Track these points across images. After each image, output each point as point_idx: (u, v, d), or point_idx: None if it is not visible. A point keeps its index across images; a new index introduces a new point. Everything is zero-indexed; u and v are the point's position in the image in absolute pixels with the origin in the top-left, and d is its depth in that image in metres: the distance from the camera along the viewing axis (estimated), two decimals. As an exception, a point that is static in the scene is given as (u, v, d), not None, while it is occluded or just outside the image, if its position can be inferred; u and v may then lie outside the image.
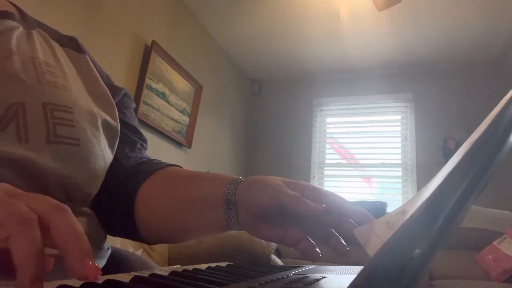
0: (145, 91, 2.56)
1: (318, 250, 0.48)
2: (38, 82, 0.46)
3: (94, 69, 0.59)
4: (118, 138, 0.57)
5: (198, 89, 3.17)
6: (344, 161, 4.04)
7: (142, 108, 2.53)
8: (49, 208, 0.27)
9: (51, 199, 0.28)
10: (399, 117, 3.84)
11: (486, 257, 2.58)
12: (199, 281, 0.36)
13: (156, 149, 2.70)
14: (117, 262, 0.58)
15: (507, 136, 0.21)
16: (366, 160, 3.87)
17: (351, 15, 3.00)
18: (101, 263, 0.54)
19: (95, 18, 2.21)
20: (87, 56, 0.60)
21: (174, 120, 2.89)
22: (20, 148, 0.41)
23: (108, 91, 0.58)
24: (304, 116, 4.08)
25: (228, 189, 0.48)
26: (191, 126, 3.08)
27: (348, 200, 0.47)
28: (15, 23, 0.50)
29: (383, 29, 3.17)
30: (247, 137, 4.17)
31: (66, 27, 2.01)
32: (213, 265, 0.53)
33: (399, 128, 3.81)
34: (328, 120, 4.10)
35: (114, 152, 0.57)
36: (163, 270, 0.43)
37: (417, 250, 0.19)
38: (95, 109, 0.53)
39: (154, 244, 0.62)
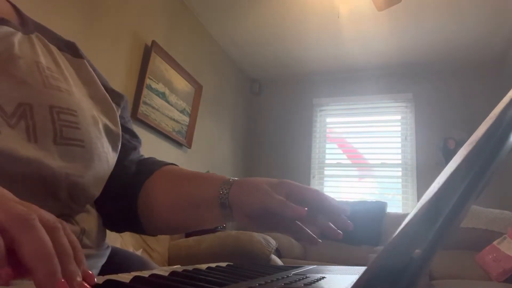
0: (145, 91, 2.56)
1: (313, 235, 0.54)
2: (44, 86, 0.47)
3: (94, 74, 0.60)
4: (120, 143, 0.58)
5: (198, 89, 3.17)
6: (344, 161, 4.04)
7: (142, 108, 2.53)
8: (45, 222, 0.27)
9: (46, 213, 0.28)
10: (399, 117, 3.84)
11: (486, 257, 2.58)
12: (199, 281, 0.36)
13: (156, 149, 2.70)
14: (116, 262, 0.58)
15: (507, 136, 0.21)
16: (366, 160, 3.87)
17: (351, 15, 3.00)
18: (101, 261, 0.54)
19: (95, 18, 2.21)
20: (86, 61, 0.61)
21: (174, 120, 2.89)
22: (30, 147, 0.42)
23: (108, 96, 0.60)
24: (304, 116, 4.08)
25: (221, 192, 0.53)
26: (191, 126, 3.08)
27: (331, 197, 0.53)
28: (11, 29, 0.50)
29: (383, 29, 3.17)
30: (247, 137, 4.17)
31: (66, 27, 2.02)
32: (213, 265, 0.53)
33: (399, 128, 3.81)
34: (328, 120, 4.10)
35: (117, 155, 0.58)
36: (163, 270, 0.43)
37: (417, 250, 0.19)
38: (96, 113, 0.54)
39: (155, 235, 0.68)
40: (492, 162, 0.20)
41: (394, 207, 3.55)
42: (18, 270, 0.25)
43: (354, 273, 0.56)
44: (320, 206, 0.52)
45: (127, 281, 0.32)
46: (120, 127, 0.59)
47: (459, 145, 3.42)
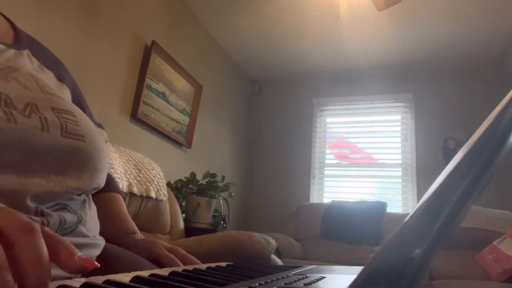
0: (145, 91, 2.56)
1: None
2: (42, 92, 0.51)
3: (70, 99, 0.67)
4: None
5: (198, 89, 3.17)
6: (344, 161, 4.04)
7: (142, 108, 2.53)
8: (17, 226, 0.27)
9: (21, 217, 0.28)
10: (399, 117, 3.84)
11: (486, 257, 2.58)
12: (199, 281, 0.36)
13: (156, 149, 2.70)
14: (110, 259, 0.59)
15: (507, 136, 0.21)
16: (366, 160, 3.87)
17: (351, 15, 3.00)
18: (96, 251, 0.56)
19: (95, 18, 2.21)
20: (67, 87, 0.67)
21: (174, 120, 2.89)
22: (44, 135, 0.46)
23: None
24: (304, 116, 4.08)
25: (124, 242, 0.72)
26: (191, 126, 3.08)
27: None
28: (4, 47, 0.55)
29: (383, 29, 3.17)
30: (247, 137, 4.17)
31: (66, 28, 2.02)
32: (213, 265, 0.53)
33: (399, 128, 3.81)
34: (328, 120, 4.10)
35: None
36: (163, 270, 0.43)
37: (417, 250, 0.19)
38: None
39: None
40: (492, 162, 0.20)
41: (394, 207, 3.55)
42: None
43: (354, 273, 0.56)
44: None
45: (127, 281, 0.32)
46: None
47: (459, 145, 3.42)
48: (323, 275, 0.48)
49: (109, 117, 2.29)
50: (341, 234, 3.19)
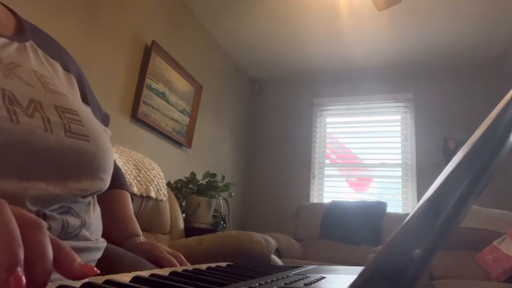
0: (145, 91, 2.56)
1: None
2: (45, 89, 0.50)
3: (78, 90, 0.65)
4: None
5: (198, 89, 3.17)
6: (344, 161, 4.04)
7: (142, 108, 2.53)
8: (25, 223, 0.27)
9: (27, 214, 0.29)
10: (399, 117, 3.84)
11: (486, 257, 2.58)
12: (199, 281, 0.36)
13: (156, 149, 2.70)
14: (110, 259, 0.59)
15: (507, 136, 0.21)
16: (366, 160, 3.87)
17: (351, 15, 3.00)
18: (98, 254, 0.56)
19: (95, 18, 2.21)
20: (73, 76, 0.65)
21: (174, 120, 2.89)
22: (48, 136, 0.45)
23: (90, 111, 0.65)
24: (304, 116, 4.08)
25: (126, 244, 0.74)
26: (191, 126, 3.08)
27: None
28: (6, 40, 0.54)
29: (383, 29, 3.17)
30: (247, 137, 4.17)
31: (66, 28, 2.02)
32: (213, 265, 0.53)
33: (399, 128, 3.81)
34: (328, 120, 4.10)
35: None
36: (163, 270, 0.43)
37: (417, 250, 0.19)
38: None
39: None
40: (492, 162, 0.20)
41: (394, 207, 3.55)
42: None
43: (354, 273, 0.56)
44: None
45: (127, 281, 0.32)
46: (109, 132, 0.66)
47: (459, 145, 3.42)
48: (323, 275, 0.48)
49: (109, 117, 2.28)
50: (341, 234, 3.19)
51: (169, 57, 2.80)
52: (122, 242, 0.73)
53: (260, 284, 0.35)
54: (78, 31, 2.10)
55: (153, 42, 2.62)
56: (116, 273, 0.35)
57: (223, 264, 0.58)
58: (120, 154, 1.74)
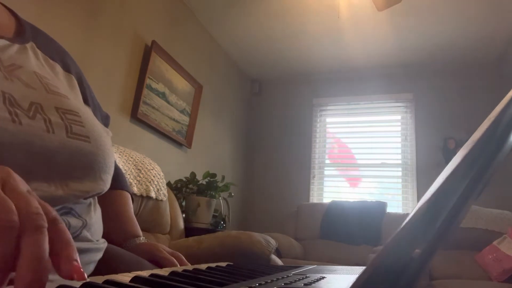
0: (145, 91, 2.56)
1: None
2: (46, 91, 0.50)
3: (79, 91, 0.65)
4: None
5: (198, 89, 3.17)
6: (344, 161, 4.04)
7: (142, 108, 2.53)
8: (28, 219, 0.28)
9: (47, 206, 0.29)
10: (399, 117, 3.84)
11: (486, 257, 2.58)
12: (199, 281, 0.36)
13: (156, 149, 2.70)
14: (110, 259, 0.59)
15: (507, 136, 0.21)
16: (366, 160, 3.87)
17: (351, 15, 3.00)
18: (99, 255, 0.56)
19: (95, 18, 2.21)
20: (74, 77, 0.65)
21: (174, 120, 2.89)
22: (50, 137, 0.45)
23: (91, 111, 0.65)
24: (304, 116, 4.08)
25: (126, 245, 0.73)
26: (191, 126, 3.08)
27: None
28: (7, 42, 0.54)
29: (383, 29, 3.17)
30: (247, 137, 4.17)
31: (66, 28, 2.02)
32: (213, 265, 0.53)
33: (399, 128, 3.81)
34: (328, 120, 4.10)
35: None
36: (163, 270, 0.43)
37: (417, 250, 0.19)
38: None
39: None
40: (492, 162, 0.20)
41: (394, 207, 3.55)
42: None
43: (354, 273, 0.56)
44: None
45: (127, 281, 0.32)
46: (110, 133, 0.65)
47: (459, 145, 3.42)
48: (323, 275, 0.48)
49: (109, 117, 2.28)
50: (341, 234, 3.19)
51: (169, 57, 2.80)
52: (122, 243, 0.73)
53: (260, 284, 0.35)
54: (78, 31, 2.10)
55: (153, 42, 2.62)
56: (116, 273, 0.35)
57: (223, 264, 0.58)
58: (120, 154, 1.74)
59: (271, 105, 4.24)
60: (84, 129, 0.50)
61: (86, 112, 0.55)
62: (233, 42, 3.57)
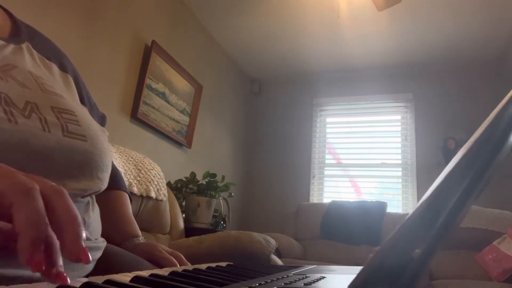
0: (145, 91, 2.56)
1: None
2: (41, 91, 0.50)
3: (75, 91, 0.65)
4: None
5: (198, 89, 3.17)
6: (344, 161, 4.04)
7: (142, 108, 2.53)
8: (49, 188, 0.29)
9: (49, 182, 0.30)
10: (399, 117, 3.84)
11: (486, 257, 2.58)
12: (199, 281, 0.36)
13: (156, 149, 2.70)
14: (110, 259, 0.59)
15: (507, 136, 0.21)
16: (366, 160, 3.87)
17: (351, 15, 3.00)
18: (98, 254, 0.56)
19: (95, 18, 2.21)
20: (70, 77, 0.65)
21: (174, 120, 2.89)
22: (46, 136, 0.45)
23: (87, 111, 0.65)
24: (304, 116, 4.08)
25: (125, 245, 0.73)
26: (191, 126, 3.08)
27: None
28: (2, 42, 0.54)
29: (383, 29, 3.17)
30: (247, 137, 4.17)
31: (66, 28, 2.02)
32: (213, 265, 0.53)
33: (399, 128, 3.81)
34: (328, 120, 4.10)
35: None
36: (163, 270, 0.43)
37: (417, 250, 0.19)
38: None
39: None
40: (492, 162, 0.20)
41: (394, 207, 3.55)
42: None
43: (354, 273, 0.56)
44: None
45: (127, 281, 0.32)
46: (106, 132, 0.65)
47: (459, 145, 3.42)
48: (323, 275, 0.48)
49: (109, 117, 2.27)
50: (341, 234, 3.19)
51: (169, 57, 2.80)
52: (121, 243, 0.73)
53: (260, 284, 0.35)
54: (78, 31, 2.10)
55: (153, 42, 2.62)
56: (116, 273, 0.35)
57: (223, 264, 0.58)
58: (120, 154, 1.74)
59: (271, 105, 4.24)
60: (80, 128, 0.50)
61: (82, 112, 0.55)
62: (233, 42, 3.57)
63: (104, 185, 0.55)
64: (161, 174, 1.91)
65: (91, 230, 0.54)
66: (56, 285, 0.27)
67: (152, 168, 1.85)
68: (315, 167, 3.96)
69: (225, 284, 0.35)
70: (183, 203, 2.62)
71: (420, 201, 0.21)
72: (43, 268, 0.25)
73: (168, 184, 2.54)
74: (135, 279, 0.33)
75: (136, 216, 1.72)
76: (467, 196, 0.20)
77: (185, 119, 3.03)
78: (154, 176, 1.82)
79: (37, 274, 0.26)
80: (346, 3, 2.83)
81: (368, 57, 3.62)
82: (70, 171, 0.48)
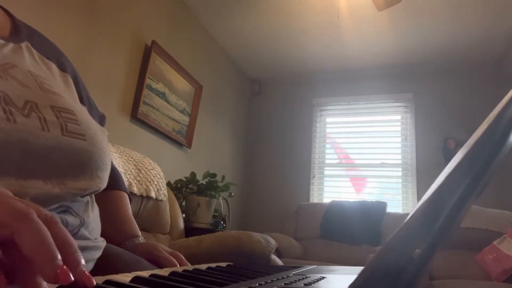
0: (145, 91, 2.56)
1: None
2: (41, 90, 0.50)
3: (75, 90, 0.65)
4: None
5: (198, 89, 3.17)
6: (344, 161, 4.04)
7: (142, 108, 2.53)
8: (43, 216, 0.28)
9: (43, 209, 0.30)
10: (399, 117, 3.84)
11: (486, 257, 2.58)
12: (199, 281, 0.36)
13: (156, 149, 2.70)
14: (110, 259, 0.59)
15: (507, 136, 0.21)
16: (366, 160, 3.87)
17: (351, 15, 3.00)
18: (97, 253, 0.56)
19: (95, 18, 2.21)
20: (69, 76, 0.65)
21: (174, 120, 2.89)
22: (45, 135, 0.45)
23: (86, 110, 0.65)
24: (304, 116, 4.08)
25: (125, 245, 0.74)
26: (191, 126, 3.08)
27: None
28: (2, 41, 0.54)
29: (383, 29, 3.17)
30: (247, 137, 4.17)
31: (66, 28, 2.02)
32: (213, 265, 0.53)
33: (399, 128, 3.81)
34: (328, 120, 4.10)
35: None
36: (163, 271, 0.43)
37: (417, 250, 0.19)
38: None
39: None
40: (492, 162, 0.20)
41: (394, 207, 3.54)
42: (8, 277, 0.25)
43: (354, 273, 0.56)
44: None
45: (127, 281, 0.32)
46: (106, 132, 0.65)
47: (459, 145, 3.42)
48: (323, 275, 0.48)
49: (109, 117, 2.27)
50: (341, 234, 3.19)
51: (169, 57, 2.80)
52: (121, 243, 0.73)
53: (260, 284, 0.35)
54: (78, 31, 2.10)
55: (153, 42, 2.62)
56: (116, 273, 0.35)
57: (223, 264, 0.58)
58: (120, 154, 1.74)
59: (271, 105, 4.24)
60: (79, 127, 0.50)
61: (82, 111, 0.55)
62: (233, 42, 3.57)
63: (104, 184, 0.55)
64: (161, 174, 1.91)
65: (90, 229, 0.54)
66: (55, 286, 0.27)
67: (152, 168, 1.85)
68: (315, 167, 3.96)
69: (225, 284, 0.35)
70: (183, 203, 2.62)
71: (421, 201, 0.21)
72: (71, 278, 0.25)
73: (168, 184, 2.54)
74: (135, 279, 0.33)
75: (136, 216, 1.71)
76: (467, 196, 0.20)
77: (185, 119, 3.03)
78: (154, 176, 1.82)
79: None
80: (346, 3, 2.83)
81: (368, 57, 3.62)
82: (70, 171, 0.48)
